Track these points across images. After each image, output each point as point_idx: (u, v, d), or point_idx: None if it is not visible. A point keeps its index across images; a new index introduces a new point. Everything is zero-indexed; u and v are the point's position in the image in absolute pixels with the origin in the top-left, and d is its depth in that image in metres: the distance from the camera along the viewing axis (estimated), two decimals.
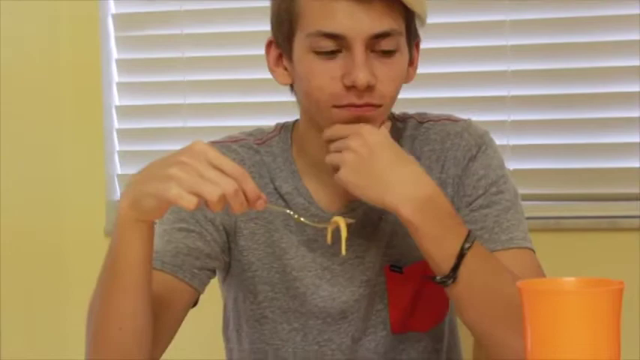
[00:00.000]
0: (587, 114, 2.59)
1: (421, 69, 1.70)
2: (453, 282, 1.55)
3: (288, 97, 1.72)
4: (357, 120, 1.59)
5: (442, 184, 1.70)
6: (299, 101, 1.68)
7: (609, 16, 2.57)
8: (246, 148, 1.73)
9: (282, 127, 1.76)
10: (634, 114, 2.55)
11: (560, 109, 2.60)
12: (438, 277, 1.56)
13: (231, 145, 1.71)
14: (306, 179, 1.72)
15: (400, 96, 1.63)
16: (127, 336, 1.51)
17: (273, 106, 2.49)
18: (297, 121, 1.74)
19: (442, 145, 1.73)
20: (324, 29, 1.57)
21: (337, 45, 1.57)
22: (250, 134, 1.76)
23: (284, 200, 1.70)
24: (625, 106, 2.56)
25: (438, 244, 1.56)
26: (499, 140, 2.43)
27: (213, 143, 1.69)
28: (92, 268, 1.55)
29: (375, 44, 1.58)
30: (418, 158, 1.68)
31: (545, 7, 2.59)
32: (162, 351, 1.61)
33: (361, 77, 1.55)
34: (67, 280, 2.83)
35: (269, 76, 1.68)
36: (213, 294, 1.78)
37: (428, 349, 1.77)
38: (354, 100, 1.57)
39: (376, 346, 1.74)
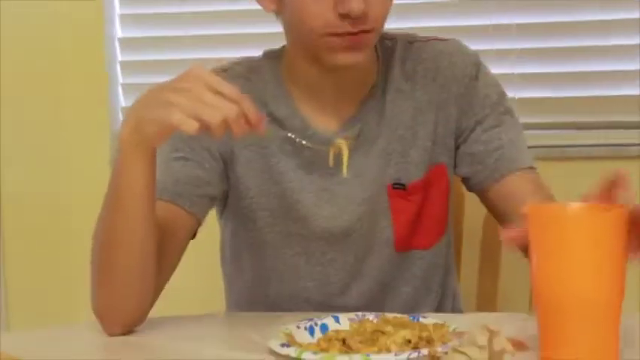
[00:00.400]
0: (588, 41, 2.57)
1: None
2: None
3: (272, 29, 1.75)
4: (353, 46, 1.61)
5: (443, 102, 1.75)
6: (287, 29, 1.68)
7: None
8: (236, 76, 1.72)
9: (269, 54, 1.78)
10: (634, 41, 2.53)
11: (562, 37, 2.58)
12: None
13: (221, 73, 1.69)
14: (299, 103, 1.73)
15: None
16: (134, 262, 1.53)
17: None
18: (283, 47, 1.75)
19: (436, 64, 1.76)
20: None
21: None
22: (238, 63, 1.78)
23: (280, 124, 1.71)
24: (625, 34, 2.54)
25: None
26: (505, 69, 2.45)
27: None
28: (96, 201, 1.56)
29: None
30: (411, 78, 1.74)
31: None
32: (166, 280, 1.62)
33: (355, 6, 1.56)
34: (69, 214, 2.82)
35: (254, 6, 1.69)
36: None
37: (430, 266, 1.80)
38: (349, 28, 1.59)
39: (381, 265, 1.76)
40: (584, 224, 1.25)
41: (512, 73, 2.56)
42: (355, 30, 1.58)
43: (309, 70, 1.69)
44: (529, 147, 1.77)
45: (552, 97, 2.58)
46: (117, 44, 2.77)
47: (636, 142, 2.51)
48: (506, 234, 1.31)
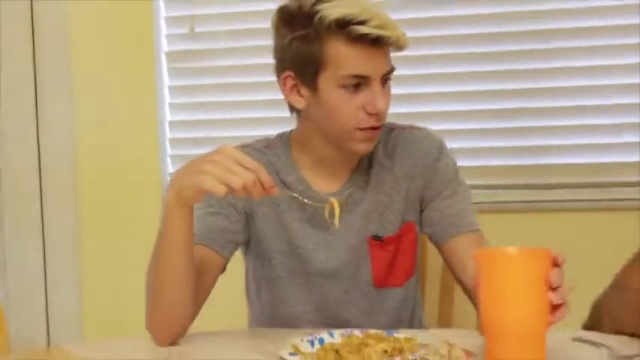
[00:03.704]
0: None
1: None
2: None
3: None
4: (373, 138, 1.66)
5: (413, 176, 1.75)
6: (311, 119, 1.69)
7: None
8: (255, 150, 1.75)
9: (281, 136, 1.80)
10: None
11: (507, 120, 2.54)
12: None
13: (244, 149, 1.74)
14: (304, 171, 1.75)
15: None
16: (178, 293, 1.55)
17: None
18: (292, 131, 1.78)
19: (410, 147, 1.77)
20: (354, 72, 1.60)
21: (360, 81, 1.61)
22: (258, 141, 1.80)
23: (288, 187, 1.73)
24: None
25: None
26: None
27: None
28: None
29: (382, 78, 1.63)
30: (391, 156, 1.75)
31: None
32: (200, 307, 1.63)
33: (382, 106, 1.61)
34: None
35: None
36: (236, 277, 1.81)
37: (402, 299, 1.80)
38: (374, 123, 1.63)
39: (363, 297, 1.77)
40: (518, 265, 1.26)
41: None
42: (377, 124, 1.63)
43: (322, 149, 1.70)
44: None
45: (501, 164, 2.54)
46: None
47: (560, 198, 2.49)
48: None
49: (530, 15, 2.48)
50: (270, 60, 1.70)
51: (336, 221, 1.59)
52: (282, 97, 1.70)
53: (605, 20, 2.44)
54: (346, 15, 1.57)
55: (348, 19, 1.57)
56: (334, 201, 1.59)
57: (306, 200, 1.61)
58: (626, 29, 2.42)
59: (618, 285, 1.63)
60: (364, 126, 1.63)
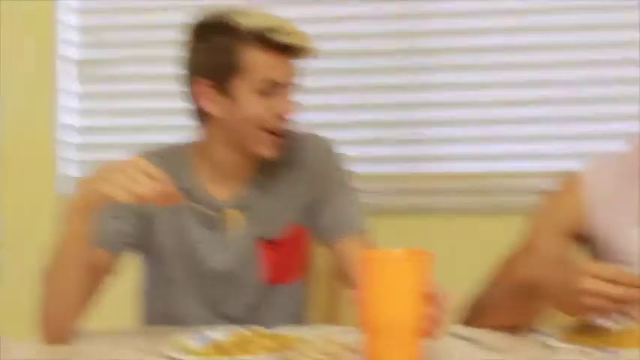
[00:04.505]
0: None
1: None
2: None
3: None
4: (279, 143, 1.70)
5: (304, 180, 1.77)
6: (224, 127, 1.69)
7: None
8: (157, 157, 1.73)
9: (180, 144, 1.80)
10: None
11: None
12: None
13: (146, 154, 1.70)
14: (202, 178, 1.75)
15: None
16: (71, 293, 1.54)
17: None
18: (191, 138, 1.78)
19: (302, 151, 1.78)
20: (269, 77, 1.64)
21: (273, 87, 1.65)
22: (159, 146, 1.79)
23: (186, 193, 1.70)
24: None
25: None
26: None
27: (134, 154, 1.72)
28: None
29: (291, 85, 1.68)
30: (283, 160, 1.75)
31: None
32: (92, 305, 1.62)
33: (292, 109, 1.67)
34: None
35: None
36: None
37: (290, 299, 1.81)
38: (281, 125, 1.68)
39: (253, 296, 1.78)
40: (400, 266, 1.26)
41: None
42: (285, 129, 1.68)
43: (223, 155, 1.72)
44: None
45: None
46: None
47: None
48: (353, 294, 1.30)
49: (414, 34, 2.50)
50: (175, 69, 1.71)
51: (236, 233, 1.65)
52: (187, 105, 1.72)
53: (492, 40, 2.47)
54: (264, 25, 1.64)
55: (265, 29, 1.63)
56: (232, 212, 1.64)
57: (207, 211, 1.63)
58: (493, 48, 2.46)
59: (492, 282, 1.65)
60: (273, 126, 1.66)
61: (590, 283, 1.35)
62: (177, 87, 1.75)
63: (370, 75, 2.51)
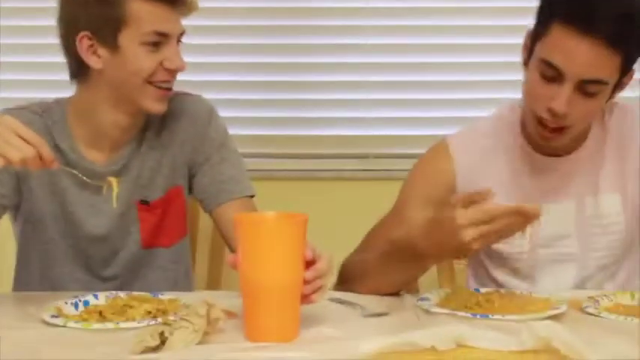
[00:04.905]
0: None
1: None
2: None
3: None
4: (166, 96, 1.67)
5: (182, 141, 1.75)
6: (107, 83, 1.65)
7: None
8: (32, 113, 1.70)
9: (58, 101, 1.74)
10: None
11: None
12: None
13: (22, 111, 1.67)
14: (78, 140, 1.70)
15: None
16: None
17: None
18: (70, 98, 1.73)
19: (182, 112, 1.76)
20: (155, 29, 1.61)
21: (160, 39, 1.62)
22: (35, 104, 1.73)
23: (62, 154, 1.68)
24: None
25: None
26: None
27: (8, 110, 1.66)
28: None
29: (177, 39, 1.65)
30: (162, 122, 1.74)
31: None
32: None
33: (179, 63, 1.63)
34: None
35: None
36: None
37: (170, 260, 1.79)
38: (169, 78, 1.65)
39: (131, 256, 1.76)
40: (273, 228, 1.28)
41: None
42: (172, 80, 1.65)
43: (105, 116, 1.67)
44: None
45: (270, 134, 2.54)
46: None
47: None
48: (231, 259, 1.30)
49: None
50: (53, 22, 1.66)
51: (114, 200, 1.61)
52: (64, 60, 1.67)
53: (368, 2, 2.50)
54: None
55: None
56: (113, 180, 1.60)
57: (85, 179, 1.58)
58: (380, 12, 2.49)
59: (365, 247, 1.68)
60: (160, 79, 1.63)
61: (464, 218, 1.38)
62: (57, 40, 1.69)
63: (253, 35, 2.51)
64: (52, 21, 1.69)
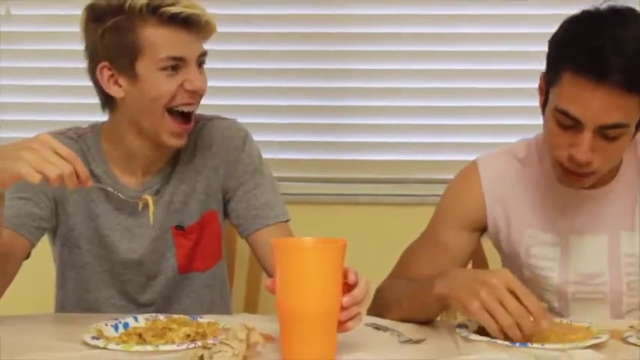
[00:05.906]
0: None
1: None
2: None
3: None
4: (184, 132, 1.66)
5: (216, 166, 1.74)
6: (130, 112, 1.66)
7: None
8: (68, 139, 1.71)
9: (93, 127, 1.76)
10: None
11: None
12: None
13: (58, 136, 1.68)
14: (113, 165, 1.72)
15: None
16: None
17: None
18: (104, 123, 1.74)
19: (214, 137, 1.76)
20: (171, 54, 1.60)
21: (177, 63, 1.61)
22: (70, 129, 1.75)
23: (97, 179, 1.70)
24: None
25: None
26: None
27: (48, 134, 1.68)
28: None
29: (197, 61, 1.64)
30: (195, 146, 1.74)
31: None
32: (3, 291, 1.59)
33: (199, 84, 1.63)
34: None
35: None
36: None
37: (205, 284, 1.80)
38: (191, 100, 1.64)
39: (168, 282, 1.76)
40: (311, 254, 1.27)
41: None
42: (192, 102, 1.64)
43: (133, 142, 1.68)
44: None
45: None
46: None
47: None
48: (268, 284, 1.30)
49: (338, 18, 2.51)
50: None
51: (151, 219, 1.62)
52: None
53: (403, 28, 2.50)
54: (155, 0, 1.59)
55: (157, 2, 1.59)
56: (149, 198, 1.60)
57: (120, 195, 1.59)
58: (416, 37, 2.49)
59: (393, 275, 1.67)
60: (182, 102, 1.62)
61: (495, 281, 1.37)
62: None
63: (289, 60, 2.51)
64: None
